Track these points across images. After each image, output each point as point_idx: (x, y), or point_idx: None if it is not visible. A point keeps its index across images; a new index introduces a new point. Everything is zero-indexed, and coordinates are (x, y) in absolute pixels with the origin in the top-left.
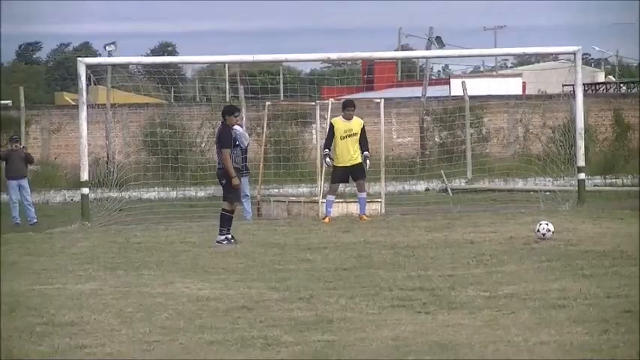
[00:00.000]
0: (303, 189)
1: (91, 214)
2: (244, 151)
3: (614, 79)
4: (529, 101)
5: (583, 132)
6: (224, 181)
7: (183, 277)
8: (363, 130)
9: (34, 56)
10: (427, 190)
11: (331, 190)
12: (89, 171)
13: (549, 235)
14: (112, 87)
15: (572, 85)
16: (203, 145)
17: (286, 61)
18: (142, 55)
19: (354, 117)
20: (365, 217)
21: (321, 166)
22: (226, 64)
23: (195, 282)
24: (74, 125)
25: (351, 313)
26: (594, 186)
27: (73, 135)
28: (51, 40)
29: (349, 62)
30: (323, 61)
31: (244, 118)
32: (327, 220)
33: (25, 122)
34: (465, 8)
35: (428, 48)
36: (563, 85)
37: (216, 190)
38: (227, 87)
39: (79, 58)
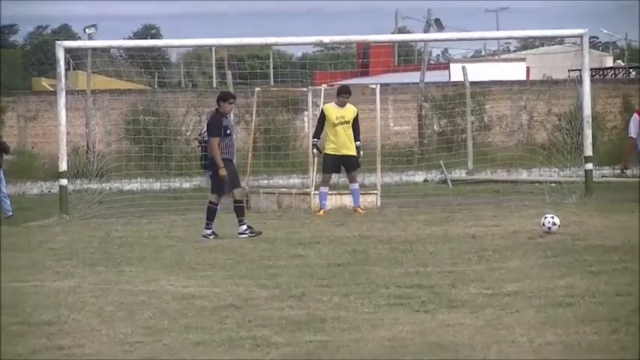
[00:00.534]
0: (295, 180)
1: (70, 206)
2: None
3: (623, 64)
4: (533, 87)
5: (590, 119)
6: (211, 172)
7: (167, 274)
8: (356, 118)
9: (10, 39)
10: (426, 181)
11: (324, 181)
12: (68, 161)
13: (555, 228)
14: (93, 72)
15: (579, 70)
16: (189, 134)
17: (277, 44)
18: (124, 39)
19: (348, 104)
20: (360, 210)
21: (314, 156)
22: (213, 48)
23: (180, 279)
24: (52, 112)
25: (345, 312)
26: (602, 177)
27: (51, 123)
28: (28, 22)
29: (343, 46)
30: (315, 44)
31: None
32: (321, 212)
33: (0, 109)
34: None
35: (426, 31)
36: (569, 70)
37: (203, 181)
38: (214, 72)
39: (57, 42)
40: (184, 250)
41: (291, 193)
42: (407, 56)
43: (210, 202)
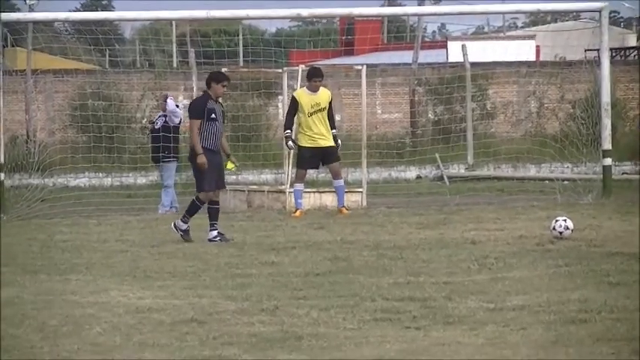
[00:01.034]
0: (267, 176)
1: (7, 204)
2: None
3: None
4: (544, 69)
5: (609, 107)
6: (193, 166)
7: (119, 284)
8: (330, 103)
9: None
10: (419, 177)
11: (298, 177)
12: (5, 152)
13: (568, 233)
14: (34, 49)
15: (597, 50)
16: (144, 121)
17: (247, 18)
18: (70, 11)
19: (322, 88)
20: (345, 211)
21: (289, 149)
22: (173, 22)
23: (135, 289)
24: None
25: (325, 329)
26: (623, 174)
27: None
28: None
29: (324, 20)
30: (292, 18)
31: (194, 88)
32: (297, 213)
33: None
34: None
35: (421, 3)
36: (585, 50)
37: (158, 176)
38: (174, 50)
39: None
40: (139, 256)
41: (263, 191)
42: (398, 33)
43: (207, 203)
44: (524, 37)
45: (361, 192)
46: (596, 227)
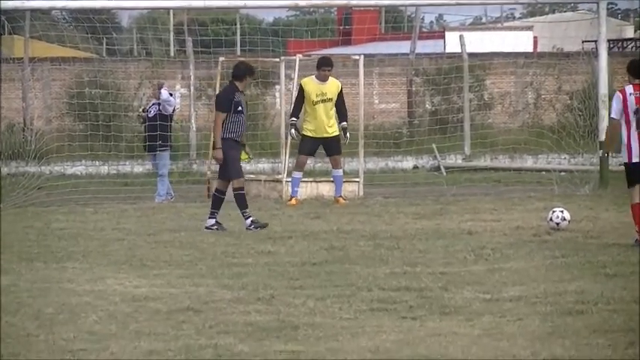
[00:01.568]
0: (264, 165)
1: (4, 192)
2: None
3: None
4: (541, 60)
5: (607, 99)
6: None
7: (115, 272)
8: (340, 94)
9: None
10: (415, 167)
11: (298, 165)
12: (2, 140)
13: (564, 224)
14: (31, 37)
15: (595, 42)
16: (140, 110)
17: (245, 7)
18: None
19: (331, 78)
20: (342, 200)
21: (286, 138)
22: (171, 11)
23: (131, 278)
24: None
25: (321, 318)
26: (620, 165)
27: None
28: None
29: (322, 10)
30: (290, 8)
31: (192, 77)
32: (293, 202)
33: None
34: None
35: None
36: (583, 42)
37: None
38: (171, 38)
39: None
40: (136, 245)
41: (260, 180)
42: (395, 23)
43: (215, 191)
44: (521, 28)
45: (358, 182)
46: (592, 218)
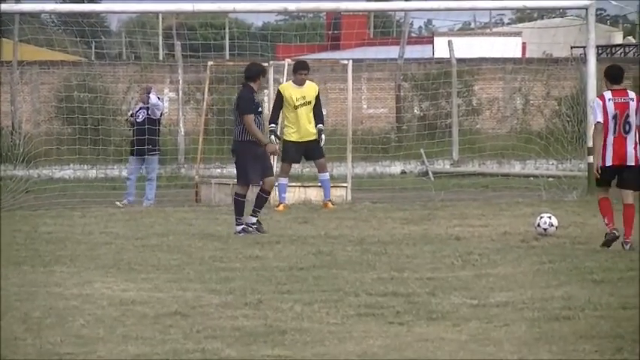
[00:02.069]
0: None
1: None
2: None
3: (634, 41)
4: (530, 66)
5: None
6: (236, 159)
7: (103, 276)
8: (318, 97)
9: None
10: (403, 172)
11: (283, 171)
12: None
13: (552, 230)
14: (20, 40)
15: (583, 48)
16: (129, 114)
17: (234, 11)
18: (56, 2)
19: (308, 82)
20: (330, 205)
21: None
22: (160, 15)
23: (118, 281)
24: None
25: (308, 323)
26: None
27: None
28: None
29: (311, 14)
30: (279, 12)
31: (180, 81)
32: (281, 207)
33: None
34: None
35: None
36: (571, 47)
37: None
38: (160, 42)
39: None
40: (123, 249)
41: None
42: (384, 28)
43: (235, 194)
44: (510, 34)
45: (346, 187)
46: (580, 224)
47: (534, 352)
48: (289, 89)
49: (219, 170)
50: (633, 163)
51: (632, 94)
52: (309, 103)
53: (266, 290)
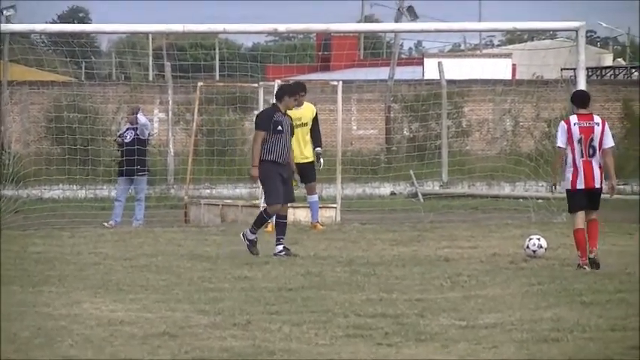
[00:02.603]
0: (242, 190)
1: None
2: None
3: (624, 63)
4: (520, 88)
5: None
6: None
7: (92, 296)
8: (315, 119)
9: None
10: (393, 194)
11: None
12: None
13: (541, 252)
14: (10, 60)
15: (573, 69)
16: (118, 134)
17: (224, 32)
18: (47, 22)
19: (305, 103)
20: (319, 226)
21: None
22: (150, 35)
23: (107, 302)
24: None
25: (297, 344)
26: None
27: None
28: None
29: (301, 35)
30: (269, 33)
31: (170, 101)
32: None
33: None
34: None
35: (397, 20)
36: (561, 69)
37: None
38: (150, 63)
39: None
40: (112, 269)
41: (237, 205)
42: (374, 49)
43: (275, 217)
44: (500, 56)
45: (335, 207)
46: (569, 246)
47: None
48: None
49: (208, 191)
50: (598, 186)
51: (597, 119)
52: (305, 124)
53: (255, 311)
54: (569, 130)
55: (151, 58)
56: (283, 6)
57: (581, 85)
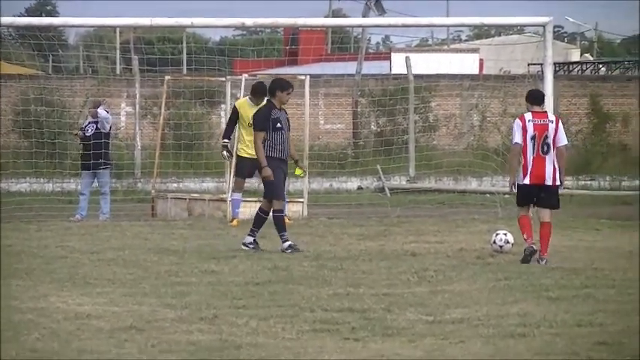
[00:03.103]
0: (209, 184)
1: None
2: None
3: (591, 58)
4: (487, 83)
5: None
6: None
7: (58, 290)
8: None
9: None
10: (360, 188)
11: (237, 186)
12: None
13: (508, 247)
14: None
15: (540, 65)
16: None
17: (191, 26)
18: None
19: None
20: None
21: (223, 159)
22: (117, 29)
23: (74, 295)
24: None
25: (264, 338)
26: (565, 188)
27: None
28: None
29: (268, 30)
30: (236, 27)
31: (137, 95)
32: (234, 222)
33: None
34: None
35: (365, 15)
36: (529, 64)
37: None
38: (118, 56)
39: None
40: (79, 263)
41: (204, 199)
42: (342, 44)
43: (272, 212)
44: (468, 51)
45: (302, 202)
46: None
47: None
48: (244, 106)
49: (175, 185)
50: (551, 183)
51: (551, 117)
52: None
53: (221, 305)
54: (523, 127)
55: (118, 52)
56: (251, 0)
57: (549, 80)
